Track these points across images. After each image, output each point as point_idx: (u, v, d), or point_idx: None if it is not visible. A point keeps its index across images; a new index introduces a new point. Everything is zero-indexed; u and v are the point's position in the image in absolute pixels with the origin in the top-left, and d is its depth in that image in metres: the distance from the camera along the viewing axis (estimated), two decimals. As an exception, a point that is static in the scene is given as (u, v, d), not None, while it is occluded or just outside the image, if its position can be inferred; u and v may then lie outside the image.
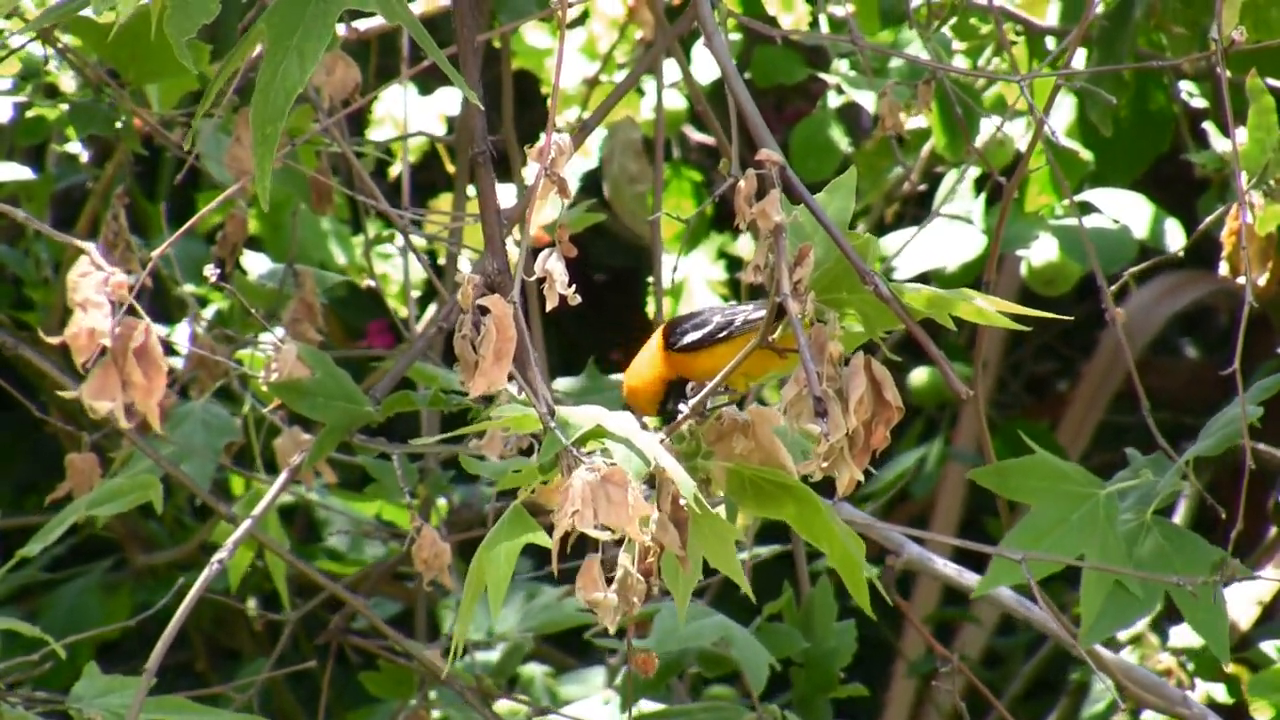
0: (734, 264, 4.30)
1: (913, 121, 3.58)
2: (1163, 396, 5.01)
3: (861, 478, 2.18)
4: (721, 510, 2.18)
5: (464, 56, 2.32)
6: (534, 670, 3.68)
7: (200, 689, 3.26)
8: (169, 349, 3.53)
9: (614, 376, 3.01)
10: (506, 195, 3.58)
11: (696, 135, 4.44)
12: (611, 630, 2.09)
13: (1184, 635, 3.82)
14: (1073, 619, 2.81)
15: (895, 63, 3.62)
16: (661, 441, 2.12)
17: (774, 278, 2.13)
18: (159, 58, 3.06)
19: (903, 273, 3.69)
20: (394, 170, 4.18)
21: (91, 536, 4.21)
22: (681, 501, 2.10)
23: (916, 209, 4.35)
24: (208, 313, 3.69)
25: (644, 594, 2.08)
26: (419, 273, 3.95)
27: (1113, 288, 2.81)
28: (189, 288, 3.60)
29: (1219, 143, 3.52)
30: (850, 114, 4.05)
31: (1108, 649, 3.19)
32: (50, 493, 3.13)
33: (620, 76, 4.05)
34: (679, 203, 4.27)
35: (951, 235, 3.72)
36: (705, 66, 4.02)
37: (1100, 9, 3.34)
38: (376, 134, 4.08)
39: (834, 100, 3.96)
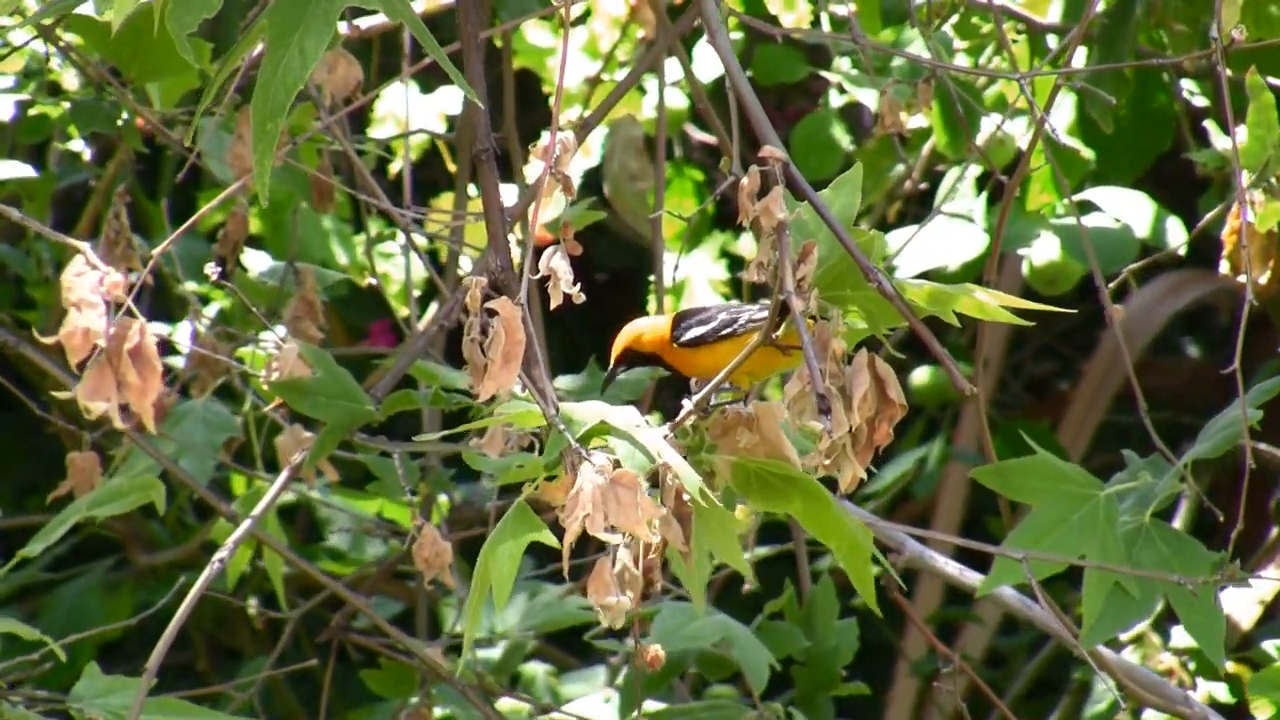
0: (736, 263, 4.30)
1: (914, 120, 3.58)
2: (1163, 396, 5.01)
3: (864, 475, 2.18)
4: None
5: (467, 54, 2.32)
6: (536, 669, 3.68)
7: (201, 688, 3.26)
8: (170, 347, 3.54)
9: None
10: (508, 194, 3.58)
11: (698, 134, 4.44)
12: (615, 628, 2.09)
13: (1186, 635, 3.82)
14: (1074, 619, 2.81)
15: (897, 61, 3.62)
16: (665, 437, 2.12)
17: (777, 275, 2.14)
18: (161, 56, 3.06)
19: (904, 271, 3.69)
20: (395, 168, 4.18)
21: (93, 536, 4.21)
22: (685, 497, 2.10)
23: (918, 208, 4.35)
24: (209, 311, 3.69)
25: (644, 591, 2.08)
26: (420, 271, 3.95)
27: (1112, 285, 2.80)
28: (190, 286, 3.60)
29: (1220, 141, 3.52)
30: (852, 112, 4.05)
31: (1109, 649, 3.19)
32: (51, 492, 3.13)
33: (622, 75, 4.05)
34: (680, 202, 4.27)
35: (953, 234, 3.72)
36: (707, 65, 4.02)
37: (1101, 7, 3.34)
38: (378, 132, 4.07)
39: (835, 99, 3.96)
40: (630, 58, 4.11)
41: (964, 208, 3.74)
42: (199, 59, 2.12)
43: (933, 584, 4.59)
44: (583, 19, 4.12)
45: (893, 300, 2.17)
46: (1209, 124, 3.55)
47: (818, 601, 3.28)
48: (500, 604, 2.06)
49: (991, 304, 2.20)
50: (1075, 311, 2.38)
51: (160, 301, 4.07)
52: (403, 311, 3.99)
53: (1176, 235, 3.70)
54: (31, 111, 3.35)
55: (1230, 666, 3.76)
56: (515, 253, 2.27)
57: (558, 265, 2.14)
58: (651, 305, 3.77)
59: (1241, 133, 2.91)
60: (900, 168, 3.95)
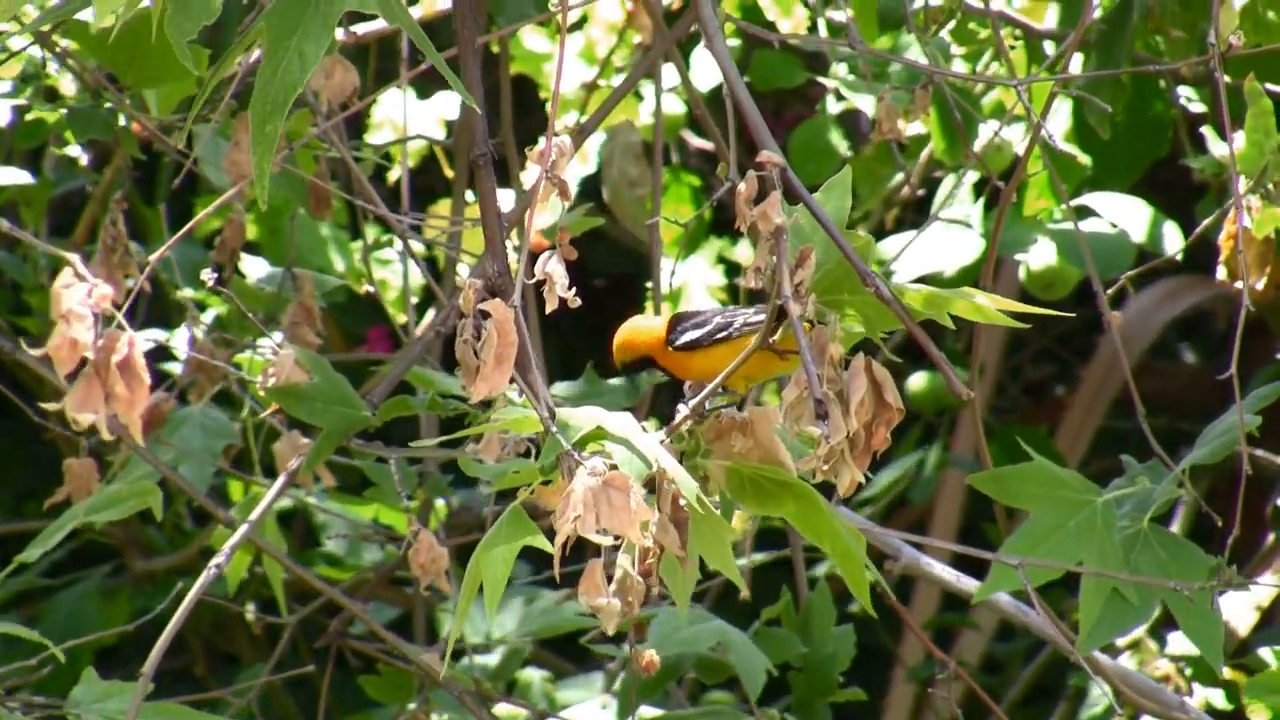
0: (733, 269, 4.30)
1: (911, 126, 3.58)
2: (1161, 401, 5.01)
3: (862, 479, 2.18)
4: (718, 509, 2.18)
5: (464, 59, 2.32)
6: (532, 674, 3.68)
7: (199, 694, 3.26)
8: (168, 353, 3.54)
9: (612, 381, 3.01)
10: (505, 199, 3.58)
11: (695, 140, 4.44)
12: (610, 633, 2.09)
13: (1182, 641, 3.82)
14: (1071, 625, 2.81)
15: (894, 67, 3.62)
16: (661, 442, 2.12)
17: (775, 280, 2.14)
18: (158, 62, 3.07)
19: (901, 277, 3.69)
20: (393, 175, 4.18)
21: (90, 542, 4.21)
22: (681, 502, 2.10)
23: (915, 214, 4.35)
24: (206, 317, 3.69)
25: (642, 596, 2.08)
26: (418, 278, 3.95)
27: (1110, 291, 2.81)
28: (188, 292, 3.60)
29: (1217, 147, 3.52)
30: (849, 118, 4.05)
31: (1106, 655, 3.19)
32: (48, 498, 3.13)
33: (619, 81, 4.05)
34: (677, 208, 4.28)
35: (950, 240, 3.72)
36: (704, 72, 4.03)
37: (1098, 13, 3.34)
38: (375, 138, 4.07)
39: (833, 105, 3.96)
40: (627, 63, 4.11)
41: (961, 214, 3.74)
42: (197, 65, 2.13)
43: (929, 590, 4.59)
44: (580, 25, 4.12)
45: (890, 304, 2.17)
46: (1206, 130, 3.55)
47: (815, 607, 3.28)
48: (492, 608, 2.06)
49: (989, 308, 2.20)
50: (1073, 316, 2.38)
51: (158, 307, 4.07)
52: (400, 318, 3.99)
53: (1174, 241, 3.70)
54: (28, 117, 3.35)
55: (1227, 673, 3.76)
56: (512, 258, 2.27)
57: (554, 270, 2.14)
58: (649, 311, 3.77)
59: (1239, 138, 2.91)
60: (898, 174, 3.95)
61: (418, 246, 3.50)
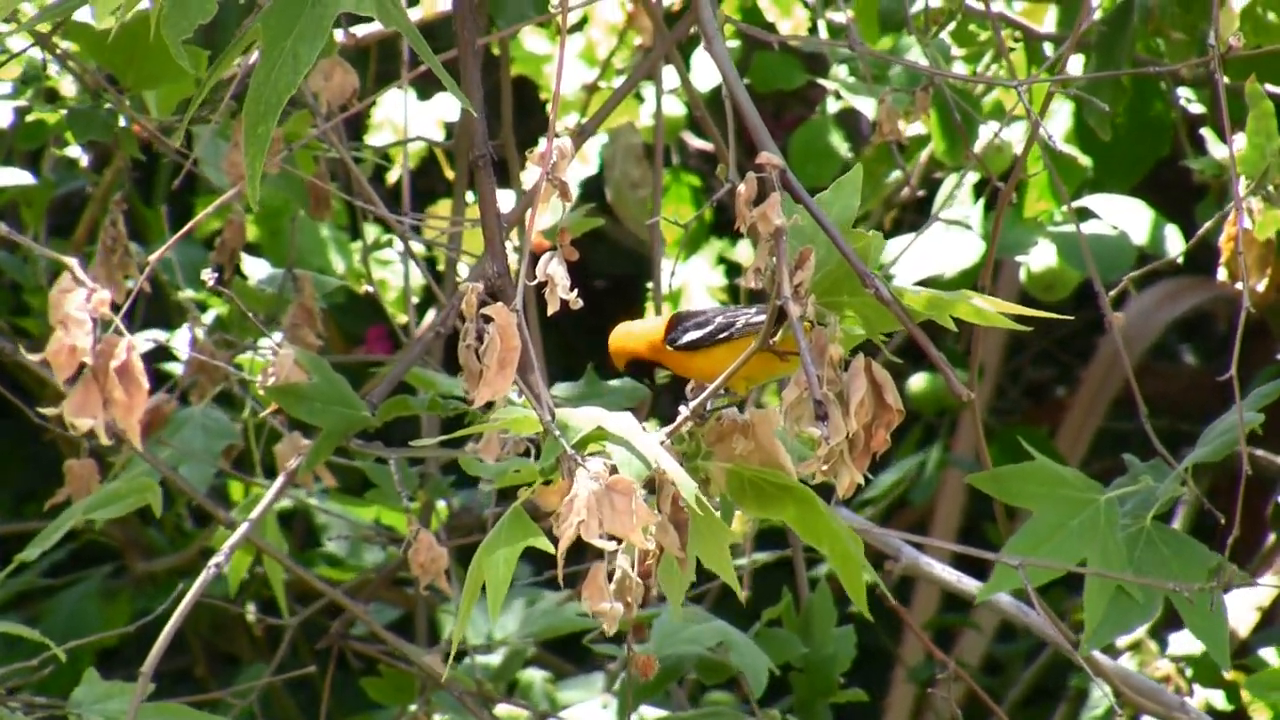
0: (733, 270, 4.30)
1: (912, 127, 3.58)
2: (1161, 402, 5.01)
3: (862, 480, 2.18)
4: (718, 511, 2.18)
5: (464, 61, 2.32)
6: (533, 675, 3.68)
7: (200, 694, 3.26)
8: (169, 354, 3.54)
9: (613, 383, 3.01)
10: (505, 200, 3.58)
11: (695, 141, 4.44)
12: (609, 633, 2.09)
13: (1183, 642, 3.82)
14: (1072, 625, 2.81)
15: (894, 69, 3.62)
16: (662, 443, 2.12)
17: (775, 281, 2.14)
18: (157, 63, 3.07)
19: (901, 278, 3.69)
20: (393, 176, 4.18)
21: (91, 543, 4.21)
22: (681, 503, 2.10)
23: (915, 215, 4.35)
24: (207, 318, 3.69)
25: (642, 596, 2.08)
26: (418, 279, 3.95)
27: (1111, 293, 2.81)
28: (188, 293, 3.60)
29: (1217, 149, 3.52)
30: (849, 120, 4.05)
31: (1106, 655, 3.19)
32: (49, 499, 3.13)
33: (619, 82, 4.06)
34: (678, 209, 4.28)
35: (950, 241, 3.72)
36: (704, 73, 4.03)
37: (1098, 15, 3.34)
38: (375, 139, 4.07)
39: (833, 106, 3.96)
40: (627, 65, 4.11)
41: (961, 215, 3.74)
42: (195, 66, 2.12)
43: (930, 590, 4.59)
44: (580, 26, 4.12)
45: (889, 306, 2.17)
46: (1206, 131, 3.55)
47: (815, 608, 3.28)
48: (495, 609, 2.06)
49: (989, 309, 2.20)
50: (1072, 318, 2.38)
51: (158, 308, 4.07)
52: (400, 318, 3.99)
53: (1174, 242, 3.70)
54: (28, 118, 3.35)
55: (1227, 674, 3.76)
56: (512, 259, 2.27)
57: (555, 271, 2.14)
58: (650, 312, 3.77)
59: (1239, 140, 2.91)
60: (898, 175, 3.95)
61: (418, 247, 3.50)
